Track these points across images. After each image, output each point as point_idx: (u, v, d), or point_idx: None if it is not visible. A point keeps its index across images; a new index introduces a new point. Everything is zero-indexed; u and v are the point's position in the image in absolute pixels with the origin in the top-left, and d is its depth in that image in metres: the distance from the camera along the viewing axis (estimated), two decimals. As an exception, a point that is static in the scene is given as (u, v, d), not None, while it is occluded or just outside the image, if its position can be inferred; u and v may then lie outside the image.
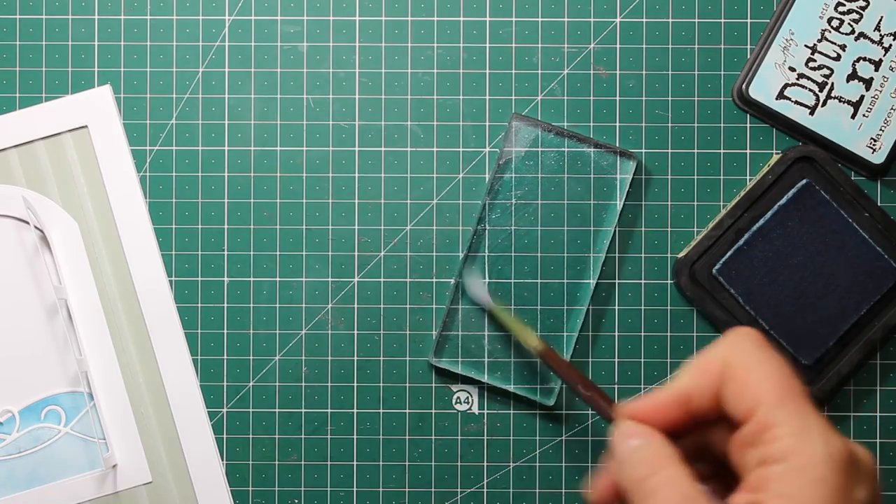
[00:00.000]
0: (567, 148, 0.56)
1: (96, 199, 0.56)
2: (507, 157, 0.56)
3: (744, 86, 0.56)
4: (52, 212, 0.56)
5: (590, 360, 0.57)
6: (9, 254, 0.56)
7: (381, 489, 0.57)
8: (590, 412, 0.57)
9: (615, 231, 0.57)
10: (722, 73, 0.57)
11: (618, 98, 0.57)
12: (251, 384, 0.57)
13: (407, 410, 0.57)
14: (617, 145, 0.57)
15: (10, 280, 0.56)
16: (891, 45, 0.56)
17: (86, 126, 0.56)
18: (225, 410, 0.57)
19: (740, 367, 0.35)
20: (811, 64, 0.56)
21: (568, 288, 0.56)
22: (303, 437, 0.57)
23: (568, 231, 0.56)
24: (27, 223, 0.56)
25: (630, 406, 0.36)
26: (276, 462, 0.57)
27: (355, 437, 0.57)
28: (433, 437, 0.57)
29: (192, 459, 0.56)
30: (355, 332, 0.57)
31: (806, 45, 0.56)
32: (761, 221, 0.55)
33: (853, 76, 0.56)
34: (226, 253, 0.57)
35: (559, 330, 0.56)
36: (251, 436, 0.57)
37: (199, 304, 0.57)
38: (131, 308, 0.56)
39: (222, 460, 0.56)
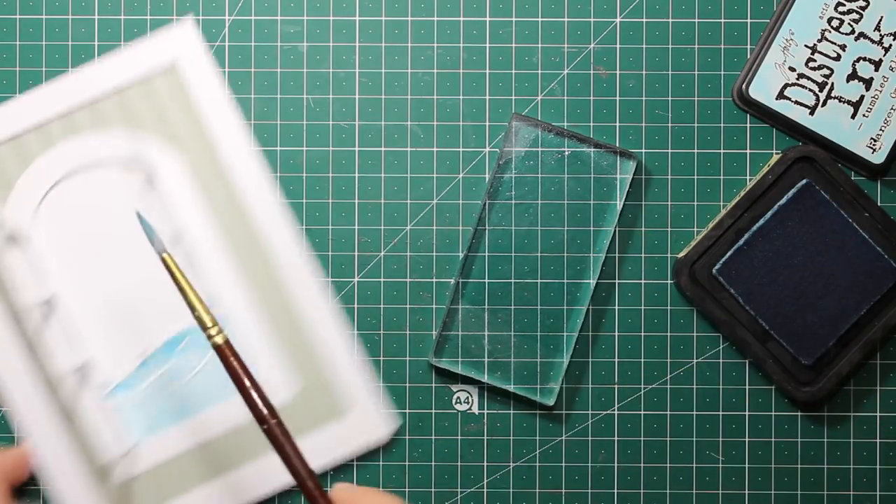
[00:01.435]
0: (567, 148, 0.56)
1: (197, 132, 0.56)
2: (507, 157, 0.56)
3: (744, 86, 0.56)
4: (156, 153, 0.56)
5: (590, 360, 0.57)
6: (120, 203, 0.56)
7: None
8: (590, 412, 0.57)
9: (615, 231, 0.57)
10: (722, 73, 0.57)
11: (618, 98, 0.57)
12: (251, 384, 0.57)
13: (407, 410, 0.57)
14: (617, 145, 0.57)
15: (123, 229, 0.56)
16: (891, 45, 0.56)
17: (173, 63, 0.56)
18: (225, 410, 0.57)
19: None
20: (811, 64, 0.56)
21: (568, 288, 0.56)
22: (303, 437, 0.57)
23: (568, 231, 0.56)
24: (132, 169, 0.56)
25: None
26: (276, 462, 0.57)
27: (355, 437, 0.57)
28: (433, 437, 0.57)
29: (332, 361, 0.56)
30: (355, 332, 0.57)
31: (806, 45, 0.56)
32: (761, 221, 0.55)
33: (853, 76, 0.56)
34: (226, 253, 0.57)
35: (559, 330, 0.56)
36: (251, 436, 0.57)
37: (199, 304, 0.57)
38: (249, 230, 0.56)
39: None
